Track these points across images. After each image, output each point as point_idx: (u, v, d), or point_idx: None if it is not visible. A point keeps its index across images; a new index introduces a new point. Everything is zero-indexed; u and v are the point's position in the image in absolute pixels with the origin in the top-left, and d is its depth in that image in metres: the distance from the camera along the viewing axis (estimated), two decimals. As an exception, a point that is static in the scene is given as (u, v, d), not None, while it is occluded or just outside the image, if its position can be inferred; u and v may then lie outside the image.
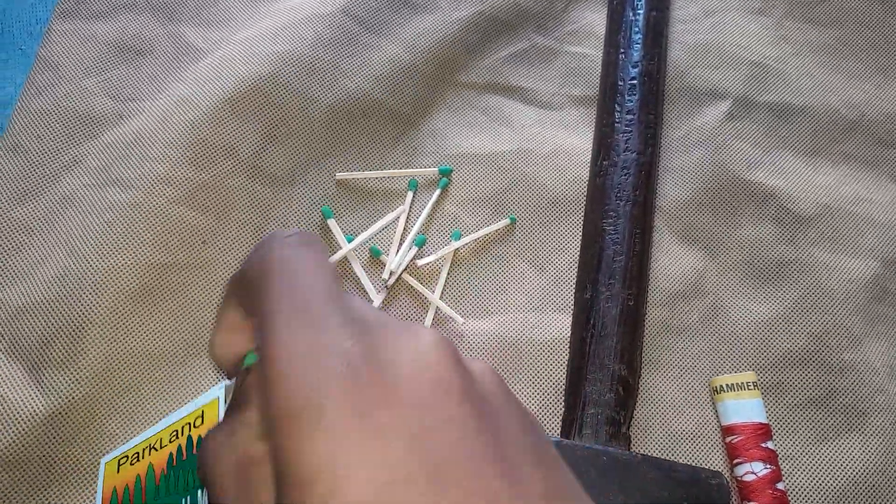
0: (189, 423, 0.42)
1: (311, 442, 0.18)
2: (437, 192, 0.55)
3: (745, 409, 0.48)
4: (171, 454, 0.41)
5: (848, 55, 0.61)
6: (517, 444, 0.20)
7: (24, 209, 0.51)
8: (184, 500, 0.39)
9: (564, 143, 0.57)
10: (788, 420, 0.49)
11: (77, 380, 0.46)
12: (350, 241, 0.52)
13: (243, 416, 0.22)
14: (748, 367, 0.50)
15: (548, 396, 0.49)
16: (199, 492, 0.39)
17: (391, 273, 0.52)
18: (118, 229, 0.50)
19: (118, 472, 0.41)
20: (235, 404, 0.22)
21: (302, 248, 0.23)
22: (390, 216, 0.54)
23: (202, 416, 0.41)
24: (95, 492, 0.41)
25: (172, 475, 0.40)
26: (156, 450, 0.42)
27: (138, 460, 0.42)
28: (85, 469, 0.45)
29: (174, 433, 0.42)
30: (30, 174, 0.53)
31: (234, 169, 0.53)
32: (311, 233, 0.24)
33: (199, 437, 0.40)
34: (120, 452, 0.42)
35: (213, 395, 0.41)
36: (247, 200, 0.53)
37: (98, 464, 0.43)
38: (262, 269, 0.22)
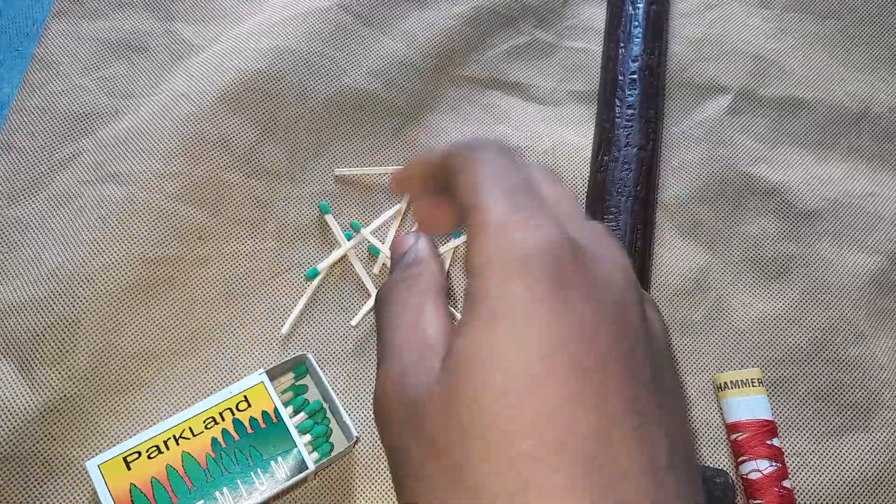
0: (230, 408, 0.45)
1: (503, 284, 0.20)
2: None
3: (749, 405, 0.47)
4: (213, 438, 0.44)
5: (851, 47, 0.60)
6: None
7: (19, 207, 0.51)
8: (253, 473, 0.43)
9: (564, 138, 0.57)
10: (794, 417, 0.48)
11: (69, 377, 0.46)
12: (349, 237, 0.52)
13: (426, 267, 0.25)
14: (753, 363, 0.50)
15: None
16: (273, 461, 0.43)
17: (387, 269, 0.52)
18: (113, 225, 0.49)
19: (129, 469, 0.42)
20: (410, 257, 0.26)
21: (497, 151, 0.24)
22: (389, 212, 0.53)
23: (247, 400, 0.45)
24: (96, 493, 0.41)
25: (226, 456, 0.43)
26: (186, 439, 0.44)
27: (160, 452, 0.43)
28: (78, 466, 0.45)
29: (210, 420, 0.44)
30: (24, 172, 0.52)
31: (230, 164, 0.53)
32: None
33: (251, 418, 0.44)
34: (122, 451, 0.42)
35: (256, 381, 0.46)
36: (243, 196, 0.53)
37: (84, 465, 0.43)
38: (465, 158, 0.24)
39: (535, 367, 0.19)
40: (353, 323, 0.50)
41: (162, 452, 0.43)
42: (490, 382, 0.19)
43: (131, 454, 0.42)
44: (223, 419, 0.44)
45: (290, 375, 0.47)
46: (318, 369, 0.46)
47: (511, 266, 0.20)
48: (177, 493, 0.42)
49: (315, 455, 0.44)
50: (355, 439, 0.44)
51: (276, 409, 0.44)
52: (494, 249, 0.21)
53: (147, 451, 0.43)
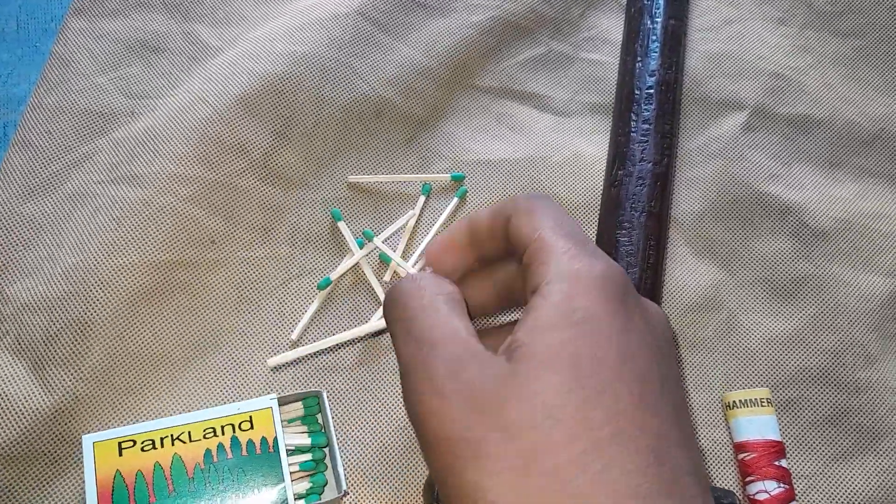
0: (233, 425, 0.44)
1: (581, 295, 0.23)
2: (455, 200, 0.54)
3: (758, 425, 0.47)
4: (208, 450, 0.43)
5: (868, 67, 0.60)
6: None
7: (34, 205, 0.51)
8: (234, 496, 0.42)
9: (578, 150, 0.57)
10: (803, 438, 0.48)
11: (80, 378, 0.46)
12: (361, 245, 0.52)
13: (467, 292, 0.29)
14: (762, 382, 0.49)
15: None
16: (256, 490, 0.42)
17: (399, 278, 0.52)
18: (127, 226, 0.50)
19: (121, 455, 0.42)
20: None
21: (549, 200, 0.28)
22: (401, 221, 0.53)
23: (251, 422, 0.44)
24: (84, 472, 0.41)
25: (214, 472, 0.43)
26: (182, 442, 0.43)
27: (154, 448, 0.43)
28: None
29: (210, 430, 0.44)
30: (40, 170, 0.52)
31: (245, 168, 0.53)
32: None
33: (249, 440, 0.43)
34: (120, 435, 0.42)
35: (265, 405, 0.45)
36: (257, 200, 0.53)
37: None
38: (526, 206, 0.27)
39: (608, 371, 0.22)
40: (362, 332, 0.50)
41: (156, 448, 0.43)
42: (572, 375, 0.22)
43: (127, 441, 0.42)
44: (223, 433, 0.44)
45: (300, 406, 0.47)
46: (329, 410, 0.46)
47: (587, 282, 0.23)
48: (157, 493, 0.41)
49: (301, 503, 0.43)
50: (344, 492, 0.43)
51: (275, 440, 0.43)
52: (567, 269, 0.24)
53: (142, 443, 0.43)
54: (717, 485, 0.46)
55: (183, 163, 0.52)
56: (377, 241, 0.52)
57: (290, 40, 0.56)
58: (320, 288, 0.51)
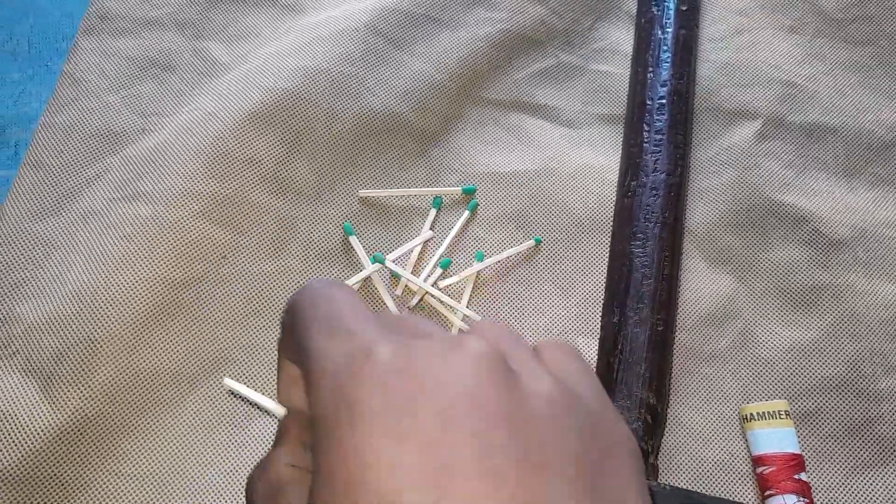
0: None
1: (340, 439, 0.20)
2: (466, 214, 0.54)
3: (776, 438, 0.46)
4: None
5: (882, 74, 0.59)
6: (553, 475, 0.20)
7: (45, 224, 0.51)
8: None
9: (590, 162, 0.56)
10: (822, 450, 0.47)
11: (89, 396, 0.46)
12: (373, 261, 0.52)
13: (277, 449, 0.24)
14: (780, 394, 0.49)
15: (573, 422, 0.48)
16: None
17: (411, 293, 0.51)
18: (138, 243, 0.50)
19: None
20: (275, 442, 0.25)
21: (330, 285, 0.25)
22: (413, 242, 0.53)
23: None
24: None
25: None
26: None
27: None
28: (97, 488, 0.45)
29: None
30: (51, 189, 0.53)
31: (256, 183, 0.53)
32: (337, 279, 0.25)
33: None
34: None
35: None
36: (268, 216, 0.53)
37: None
38: (295, 306, 0.24)
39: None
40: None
41: None
42: None
43: None
44: None
45: None
46: None
47: (338, 418, 0.21)
48: None
49: None
50: None
51: None
52: (322, 400, 0.21)
53: None
54: (735, 499, 0.46)
55: (194, 179, 0.52)
56: (388, 262, 0.51)
57: (300, 55, 0.56)
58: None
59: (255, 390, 0.47)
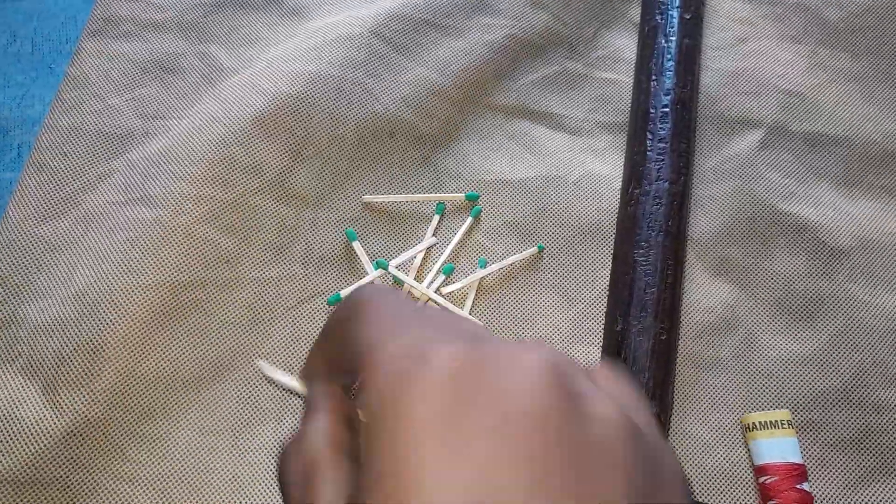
0: None
1: (391, 442, 0.19)
2: (469, 220, 0.54)
3: (779, 448, 0.46)
4: None
5: (884, 85, 0.59)
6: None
7: (50, 227, 0.51)
8: None
9: (593, 169, 0.56)
10: (825, 460, 0.47)
11: (93, 400, 0.46)
12: (377, 267, 0.51)
13: (313, 425, 0.24)
14: (782, 404, 0.49)
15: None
16: None
17: (414, 299, 0.51)
18: (141, 248, 0.49)
19: None
20: (305, 414, 0.24)
21: (390, 288, 0.24)
22: (416, 249, 0.53)
23: None
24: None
25: None
26: None
27: None
28: (101, 491, 0.45)
29: None
30: (55, 192, 0.52)
31: (259, 188, 0.53)
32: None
33: None
34: None
35: None
36: (271, 221, 0.53)
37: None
38: (357, 299, 0.24)
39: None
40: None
41: None
42: None
43: None
44: None
45: None
46: None
47: (392, 416, 0.20)
48: None
49: None
50: None
51: None
52: (377, 397, 0.20)
53: None
54: (739, 508, 0.46)
55: (197, 183, 0.52)
56: (392, 269, 0.51)
57: (304, 60, 0.56)
58: (330, 304, 0.50)
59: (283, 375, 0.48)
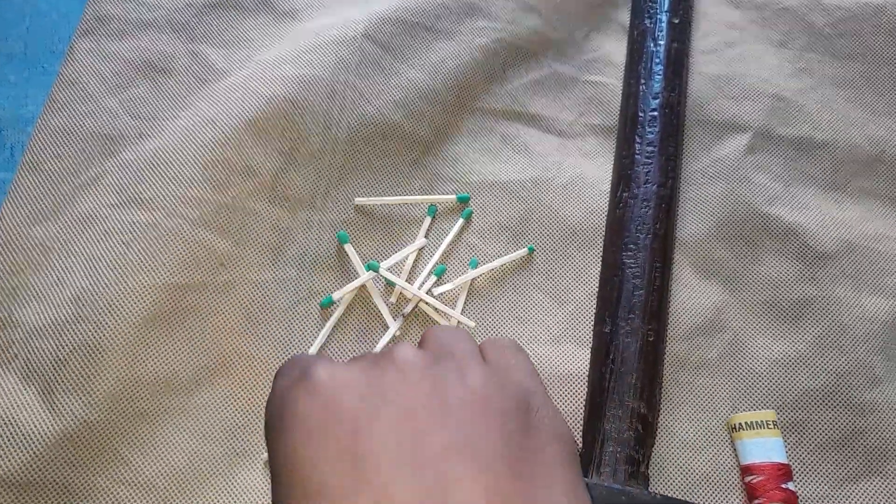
0: None
1: (276, 443, 0.28)
2: (461, 221, 0.55)
3: (764, 448, 0.47)
4: None
5: (869, 90, 0.60)
6: (472, 456, 0.25)
7: (43, 228, 0.51)
8: None
9: (583, 172, 0.57)
10: (809, 461, 0.48)
11: (90, 403, 0.46)
12: (368, 269, 0.52)
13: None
14: (767, 405, 0.50)
15: (564, 430, 0.49)
16: None
17: (405, 300, 0.52)
18: (136, 250, 0.50)
19: None
20: None
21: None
22: (407, 250, 0.53)
23: None
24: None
25: None
26: None
27: None
28: (99, 494, 0.45)
29: None
30: (49, 193, 0.53)
31: (253, 191, 0.53)
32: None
33: None
34: None
35: None
36: (265, 223, 0.53)
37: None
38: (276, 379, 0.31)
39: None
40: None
41: None
42: None
43: None
44: None
45: None
46: None
47: None
48: None
49: None
50: None
51: None
52: None
53: None
54: (724, 507, 0.47)
55: (191, 186, 0.52)
56: (383, 270, 0.52)
57: (297, 63, 0.57)
58: (323, 306, 0.51)
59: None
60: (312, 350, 0.50)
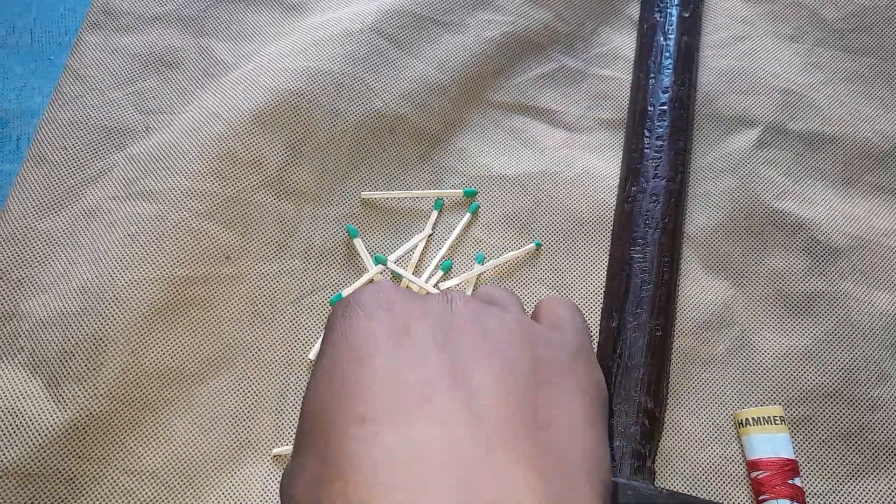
0: None
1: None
2: (468, 216, 0.54)
3: (771, 443, 0.47)
4: None
5: (881, 85, 0.60)
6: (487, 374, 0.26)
7: (49, 221, 0.51)
8: None
9: (591, 166, 0.57)
10: (816, 456, 0.48)
11: (96, 394, 0.46)
12: (377, 262, 0.52)
13: None
14: (775, 400, 0.49)
15: (571, 425, 0.48)
16: None
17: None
18: (142, 242, 0.50)
19: None
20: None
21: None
22: (413, 241, 0.53)
23: None
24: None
25: None
26: None
27: None
28: (105, 484, 0.45)
29: None
30: (55, 186, 0.53)
31: (260, 184, 0.53)
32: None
33: None
34: None
35: None
36: (272, 216, 0.53)
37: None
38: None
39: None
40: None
41: None
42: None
43: None
44: None
45: None
46: None
47: None
48: None
49: None
50: None
51: None
52: None
53: None
54: None
55: (198, 178, 0.52)
56: (391, 263, 0.52)
57: (304, 56, 0.56)
58: (332, 304, 0.51)
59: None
60: (316, 348, 0.50)
